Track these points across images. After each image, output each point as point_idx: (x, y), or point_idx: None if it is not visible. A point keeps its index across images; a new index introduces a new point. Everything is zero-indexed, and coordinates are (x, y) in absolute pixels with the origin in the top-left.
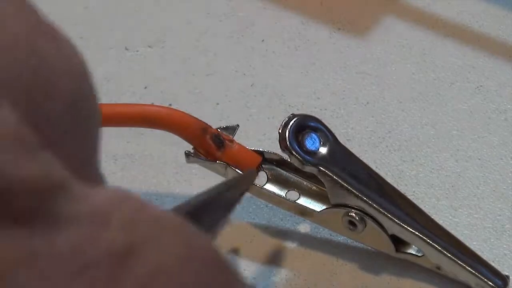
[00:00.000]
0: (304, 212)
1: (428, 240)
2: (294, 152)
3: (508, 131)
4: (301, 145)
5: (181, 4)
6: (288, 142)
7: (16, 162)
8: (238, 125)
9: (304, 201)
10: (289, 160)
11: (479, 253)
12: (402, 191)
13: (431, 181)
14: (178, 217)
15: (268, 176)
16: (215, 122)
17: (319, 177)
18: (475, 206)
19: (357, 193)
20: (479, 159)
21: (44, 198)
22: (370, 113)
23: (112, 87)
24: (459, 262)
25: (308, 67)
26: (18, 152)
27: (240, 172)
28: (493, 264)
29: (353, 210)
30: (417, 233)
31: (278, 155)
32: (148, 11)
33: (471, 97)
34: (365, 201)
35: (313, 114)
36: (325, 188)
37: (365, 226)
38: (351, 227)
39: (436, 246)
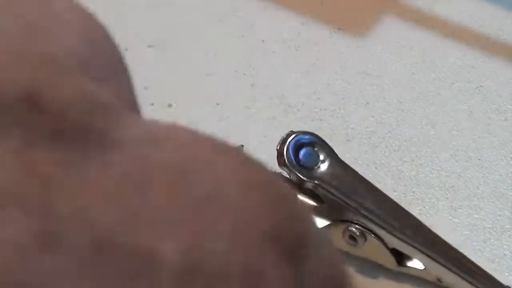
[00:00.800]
0: None
1: (428, 253)
2: (292, 169)
3: (508, 131)
4: (299, 162)
5: (181, 4)
6: (286, 159)
7: (65, 80)
8: (242, 146)
9: None
10: (288, 176)
11: (479, 253)
12: (402, 191)
13: (431, 181)
14: (237, 146)
15: None
16: (215, 122)
17: (317, 193)
18: (475, 207)
19: (356, 208)
20: (479, 159)
21: (96, 118)
22: (370, 113)
23: None
24: (460, 274)
25: (308, 67)
26: (68, 74)
27: None
28: (493, 265)
29: (353, 225)
30: (417, 246)
31: (278, 173)
32: (148, 11)
33: (471, 97)
34: (364, 215)
35: (313, 114)
36: (325, 203)
37: (366, 240)
38: (351, 242)
39: (437, 258)
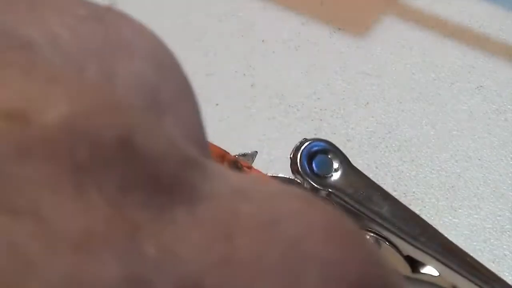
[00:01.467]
0: None
1: (443, 260)
2: (305, 177)
3: (508, 131)
4: (313, 169)
5: (181, 4)
6: (299, 166)
7: (163, 134)
8: (256, 152)
9: None
10: (302, 184)
11: (479, 253)
12: (402, 191)
13: (431, 181)
14: (316, 197)
15: None
16: (215, 122)
17: (331, 201)
18: (475, 207)
19: (370, 216)
20: (479, 159)
21: (185, 169)
22: (370, 113)
23: None
24: (475, 281)
25: (308, 67)
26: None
27: None
28: (493, 265)
29: (367, 232)
30: (431, 253)
31: (291, 179)
32: (148, 11)
33: (471, 97)
34: (379, 223)
35: (313, 114)
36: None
37: (380, 248)
38: None
39: (452, 266)
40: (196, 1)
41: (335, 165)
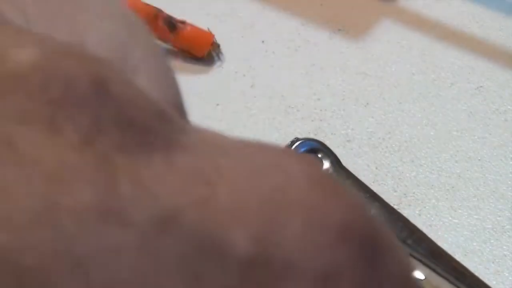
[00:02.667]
0: None
1: (429, 264)
2: None
3: (508, 132)
4: None
5: (181, 4)
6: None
7: (138, 89)
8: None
9: None
10: None
11: (479, 253)
12: (402, 191)
13: (431, 182)
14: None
15: None
16: (215, 122)
17: None
18: (475, 207)
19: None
20: (479, 159)
21: (160, 121)
22: (370, 114)
23: None
24: (460, 286)
25: (308, 68)
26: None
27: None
28: (493, 265)
29: None
30: (417, 256)
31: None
32: None
33: (471, 97)
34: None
35: (313, 115)
36: None
37: None
38: None
39: (437, 269)
40: (196, 1)
41: (326, 165)
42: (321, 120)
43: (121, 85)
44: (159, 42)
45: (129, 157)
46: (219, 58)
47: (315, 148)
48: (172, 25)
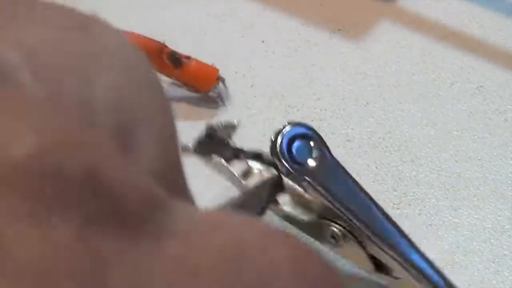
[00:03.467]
0: (291, 219)
1: (406, 266)
2: (282, 160)
3: (508, 131)
4: (291, 154)
5: (181, 4)
6: (278, 149)
7: (130, 172)
8: (235, 123)
9: (292, 208)
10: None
11: (479, 253)
12: (402, 191)
13: (431, 181)
14: (281, 230)
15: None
16: (215, 122)
17: (305, 188)
18: (475, 207)
19: (341, 208)
20: (479, 159)
21: (151, 209)
22: (370, 113)
23: None
24: None
25: (308, 68)
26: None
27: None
28: (493, 265)
29: (336, 224)
30: (396, 257)
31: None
32: (148, 11)
33: (471, 97)
34: (347, 217)
35: (313, 115)
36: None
37: (346, 242)
38: (332, 240)
39: (414, 273)
40: (196, 1)
41: (316, 152)
42: (321, 120)
43: (113, 174)
44: (163, 77)
45: (119, 250)
46: (222, 102)
47: (307, 135)
48: (177, 60)
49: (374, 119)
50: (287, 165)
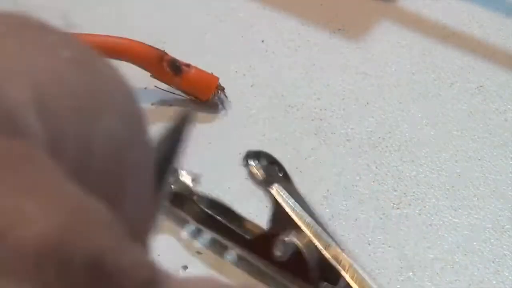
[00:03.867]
0: (235, 237)
1: (348, 280)
2: (254, 168)
3: (508, 131)
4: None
5: (181, 4)
6: (250, 160)
7: (131, 255)
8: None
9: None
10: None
11: (479, 253)
12: (402, 191)
13: (431, 181)
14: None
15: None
16: (215, 122)
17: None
18: (475, 207)
19: (296, 220)
20: (479, 159)
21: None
22: (370, 113)
23: None
24: None
25: (308, 68)
26: (118, 241)
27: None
28: (493, 265)
29: (286, 237)
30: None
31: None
32: (148, 11)
33: (471, 97)
34: (298, 230)
35: (313, 114)
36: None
37: (290, 254)
38: (278, 253)
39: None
40: (196, 1)
41: (276, 174)
42: (321, 120)
43: (116, 261)
44: (165, 86)
45: None
46: (223, 106)
47: (270, 160)
48: (177, 68)
49: (374, 119)
50: (257, 172)
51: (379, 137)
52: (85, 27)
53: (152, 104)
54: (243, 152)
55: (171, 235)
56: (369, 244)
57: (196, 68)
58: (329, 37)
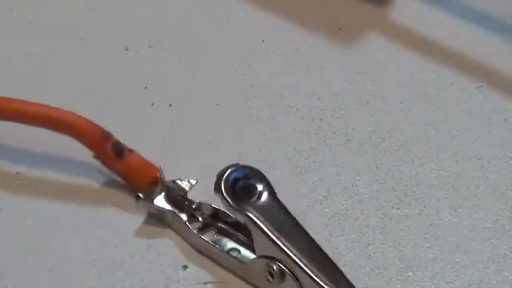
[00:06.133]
0: (225, 260)
1: None
2: (225, 194)
3: (508, 131)
4: (235, 192)
5: (181, 4)
6: (222, 184)
7: None
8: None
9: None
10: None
11: (479, 253)
12: (402, 191)
13: (431, 181)
14: None
15: (200, 225)
16: (215, 122)
17: (246, 224)
18: (475, 206)
19: (281, 245)
20: (479, 159)
21: None
22: (370, 113)
23: (112, 88)
24: None
25: (308, 67)
26: None
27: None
28: (493, 265)
29: (275, 262)
30: None
31: (213, 207)
32: (148, 11)
33: (471, 97)
34: (287, 255)
35: (313, 114)
36: (252, 238)
37: (284, 280)
38: (270, 278)
39: None
40: (196, 1)
41: (260, 194)
42: (321, 120)
43: None
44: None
45: None
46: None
47: (254, 177)
48: (119, 150)
49: (374, 119)
50: (229, 201)
51: (379, 137)
52: (82, 26)
53: (152, 104)
54: (243, 152)
55: (171, 235)
56: (369, 244)
57: (139, 156)
58: (329, 37)
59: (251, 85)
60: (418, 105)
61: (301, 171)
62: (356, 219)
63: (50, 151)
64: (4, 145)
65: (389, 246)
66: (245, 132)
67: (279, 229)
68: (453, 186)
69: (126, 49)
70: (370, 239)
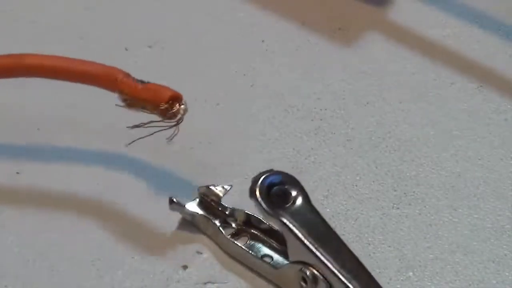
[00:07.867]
0: (258, 265)
1: None
2: (260, 200)
3: (508, 131)
4: (270, 198)
5: (181, 4)
6: (257, 190)
7: None
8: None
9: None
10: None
11: (479, 253)
12: (402, 191)
13: (431, 181)
14: None
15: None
16: (215, 122)
17: (281, 230)
18: (475, 206)
19: (314, 251)
20: (479, 159)
21: None
22: (370, 113)
23: None
24: None
25: (308, 67)
26: None
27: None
28: (493, 265)
29: (308, 268)
30: None
31: (246, 213)
32: (148, 11)
33: (471, 97)
34: (321, 261)
35: (313, 114)
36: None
37: (316, 285)
38: (303, 284)
39: None
40: (196, 1)
41: (295, 200)
42: (321, 120)
43: None
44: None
45: None
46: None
47: (289, 183)
48: (141, 81)
49: (374, 119)
50: (264, 206)
51: (379, 137)
52: (82, 26)
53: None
54: (243, 152)
55: (171, 235)
56: (369, 244)
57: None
58: (329, 37)
59: (251, 85)
60: (418, 105)
61: (301, 171)
62: (356, 219)
63: (50, 151)
64: (4, 145)
65: (389, 246)
66: (245, 132)
67: (313, 235)
68: (453, 186)
69: (126, 49)
70: (370, 239)
